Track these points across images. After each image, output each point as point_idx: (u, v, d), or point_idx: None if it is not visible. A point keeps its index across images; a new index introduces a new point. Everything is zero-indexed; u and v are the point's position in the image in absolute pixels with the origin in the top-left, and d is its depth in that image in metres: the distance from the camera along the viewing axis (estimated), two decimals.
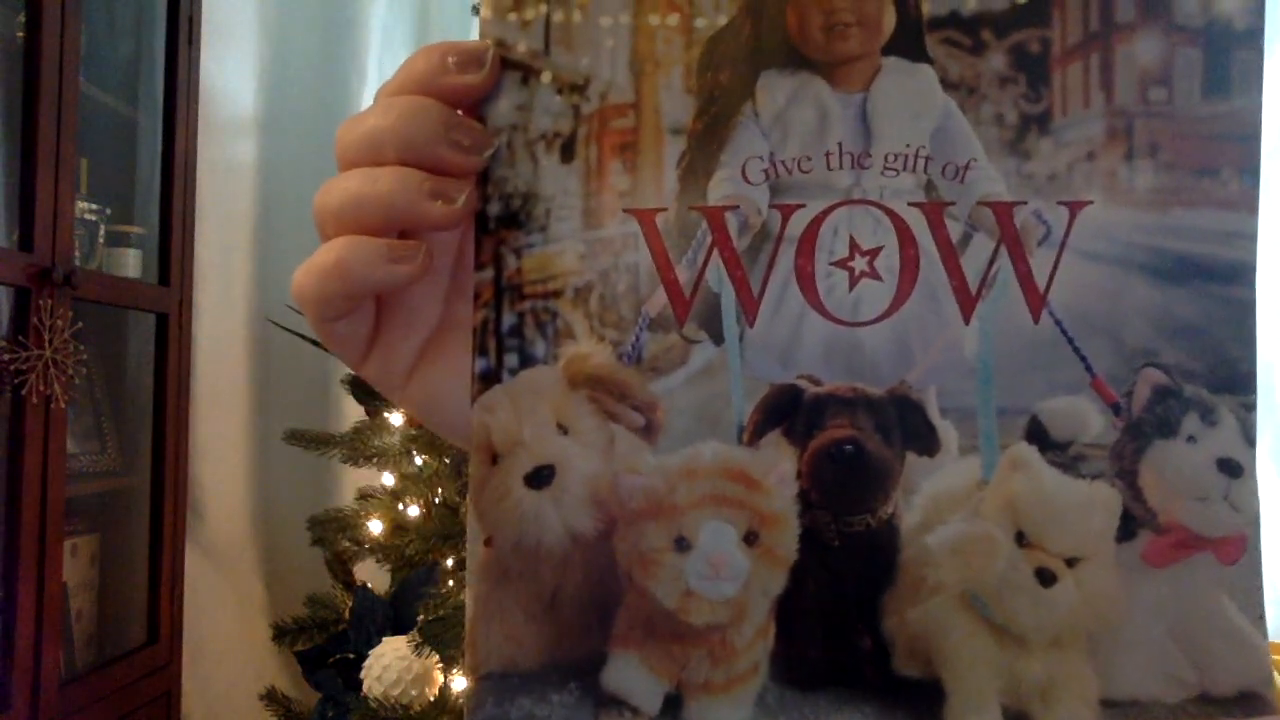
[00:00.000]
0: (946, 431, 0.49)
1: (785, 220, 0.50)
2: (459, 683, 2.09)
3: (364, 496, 2.66)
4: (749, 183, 0.50)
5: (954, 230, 0.49)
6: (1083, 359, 0.49)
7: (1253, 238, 0.49)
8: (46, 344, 2.08)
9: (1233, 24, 0.48)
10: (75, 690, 2.28)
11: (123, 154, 2.75)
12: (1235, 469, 0.48)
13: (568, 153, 0.50)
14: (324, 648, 2.49)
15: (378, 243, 0.49)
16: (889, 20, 0.50)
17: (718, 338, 0.50)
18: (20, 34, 2.16)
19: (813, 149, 0.50)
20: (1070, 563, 0.49)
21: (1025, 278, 0.49)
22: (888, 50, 0.50)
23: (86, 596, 2.56)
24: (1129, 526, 0.49)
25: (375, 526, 2.54)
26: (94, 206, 2.55)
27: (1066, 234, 0.49)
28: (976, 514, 0.49)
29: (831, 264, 0.50)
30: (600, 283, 0.50)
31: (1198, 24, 0.48)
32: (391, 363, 0.55)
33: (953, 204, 0.49)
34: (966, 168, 0.49)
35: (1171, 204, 0.48)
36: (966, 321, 0.49)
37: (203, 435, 2.93)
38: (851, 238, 0.50)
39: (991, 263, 0.49)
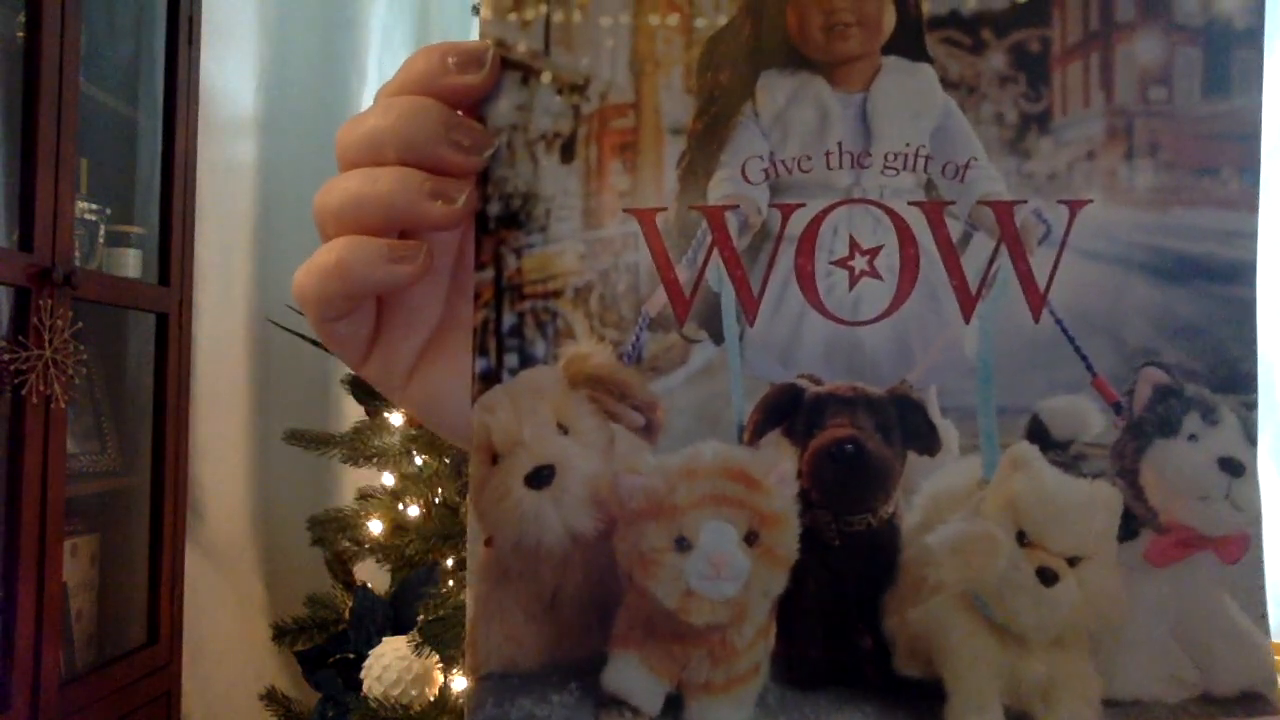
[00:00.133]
0: (947, 431, 0.49)
1: (785, 220, 0.50)
2: (459, 683, 2.09)
3: (364, 496, 2.66)
4: (749, 182, 0.50)
5: (954, 229, 0.49)
6: (1083, 358, 0.49)
7: (1253, 237, 0.49)
8: (46, 344, 2.08)
9: (1232, 23, 0.48)
10: (75, 690, 2.28)
11: (123, 154, 2.76)
12: (1237, 468, 0.48)
13: (568, 153, 0.50)
14: (324, 648, 2.49)
15: (378, 243, 0.49)
16: (889, 20, 0.50)
17: (718, 337, 0.50)
18: (20, 34, 2.16)
19: (813, 148, 0.50)
20: (1072, 562, 0.49)
21: (1025, 277, 0.49)
22: (888, 50, 0.50)
23: (86, 596, 2.56)
24: (1130, 526, 0.49)
25: (375, 526, 2.54)
26: (94, 206, 2.55)
27: (1067, 233, 0.49)
28: (977, 513, 0.49)
29: (831, 263, 0.50)
30: (600, 282, 0.50)
31: (1197, 23, 0.48)
32: (392, 363, 0.55)
33: (953, 203, 0.49)
34: (966, 167, 0.49)
35: (1172, 203, 0.48)
36: (967, 321, 0.49)
37: (203, 435, 2.93)
38: (851, 237, 0.50)
39: (992, 262, 0.49)
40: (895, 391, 0.49)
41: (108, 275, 2.54)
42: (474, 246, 0.51)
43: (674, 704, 0.50)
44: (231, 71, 3.08)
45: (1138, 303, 0.48)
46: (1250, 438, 0.49)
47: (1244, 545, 0.48)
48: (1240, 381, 0.49)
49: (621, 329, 0.50)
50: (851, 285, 0.50)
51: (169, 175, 2.71)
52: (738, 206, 0.50)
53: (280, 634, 2.58)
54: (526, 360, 0.50)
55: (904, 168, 0.49)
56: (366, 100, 3.26)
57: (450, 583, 2.29)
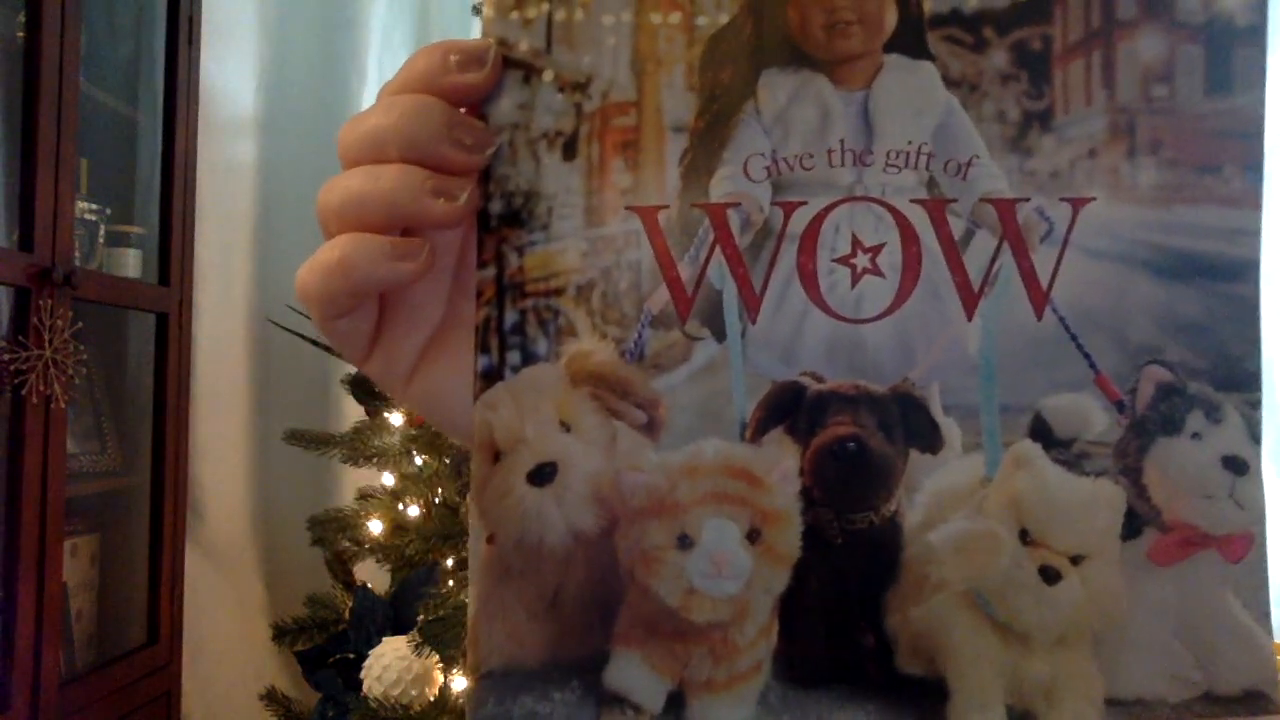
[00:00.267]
0: (949, 429, 0.49)
1: (787, 217, 0.50)
2: (459, 683, 2.09)
3: (364, 496, 2.66)
4: (751, 180, 0.50)
5: (956, 227, 0.49)
6: (1086, 356, 0.49)
7: (1256, 234, 0.48)
8: (46, 344, 2.08)
9: (1234, 21, 0.48)
10: (75, 690, 2.28)
11: (123, 154, 2.75)
12: (1241, 466, 0.48)
13: (570, 151, 0.50)
14: (324, 648, 2.49)
15: (381, 240, 0.49)
16: (890, 18, 0.50)
17: (720, 335, 0.50)
18: (20, 34, 2.16)
19: (815, 146, 0.50)
20: (1074, 561, 0.49)
21: (1028, 275, 0.49)
22: (889, 48, 0.50)
23: (86, 596, 2.56)
24: (1133, 524, 0.49)
25: (375, 526, 2.54)
26: (94, 206, 2.55)
27: (1069, 231, 0.49)
28: (980, 512, 0.49)
29: (834, 261, 0.50)
30: (602, 280, 0.50)
31: (1199, 21, 0.48)
32: (394, 360, 0.55)
33: (955, 201, 0.49)
34: (969, 165, 0.49)
35: (1174, 201, 0.48)
36: (969, 319, 0.49)
37: (203, 435, 2.93)
38: (854, 235, 0.49)
39: (994, 260, 0.49)
40: (897, 389, 0.49)
41: (108, 275, 2.54)
42: (476, 244, 0.51)
43: (676, 702, 0.50)
44: (231, 71, 3.08)
45: (1140, 300, 0.48)
46: (1254, 436, 0.49)
47: (1248, 544, 0.48)
48: (1244, 379, 0.48)
49: (624, 326, 0.50)
50: (854, 283, 0.49)
51: (169, 175, 2.71)
52: (740, 204, 0.50)
53: (280, 634, 2.58)
54: (528, 358, 0.50)
55: (906, 165, 0.49)
56: (366, 100, 3.27)
57: (450, 583, 2.29)
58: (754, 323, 0.50)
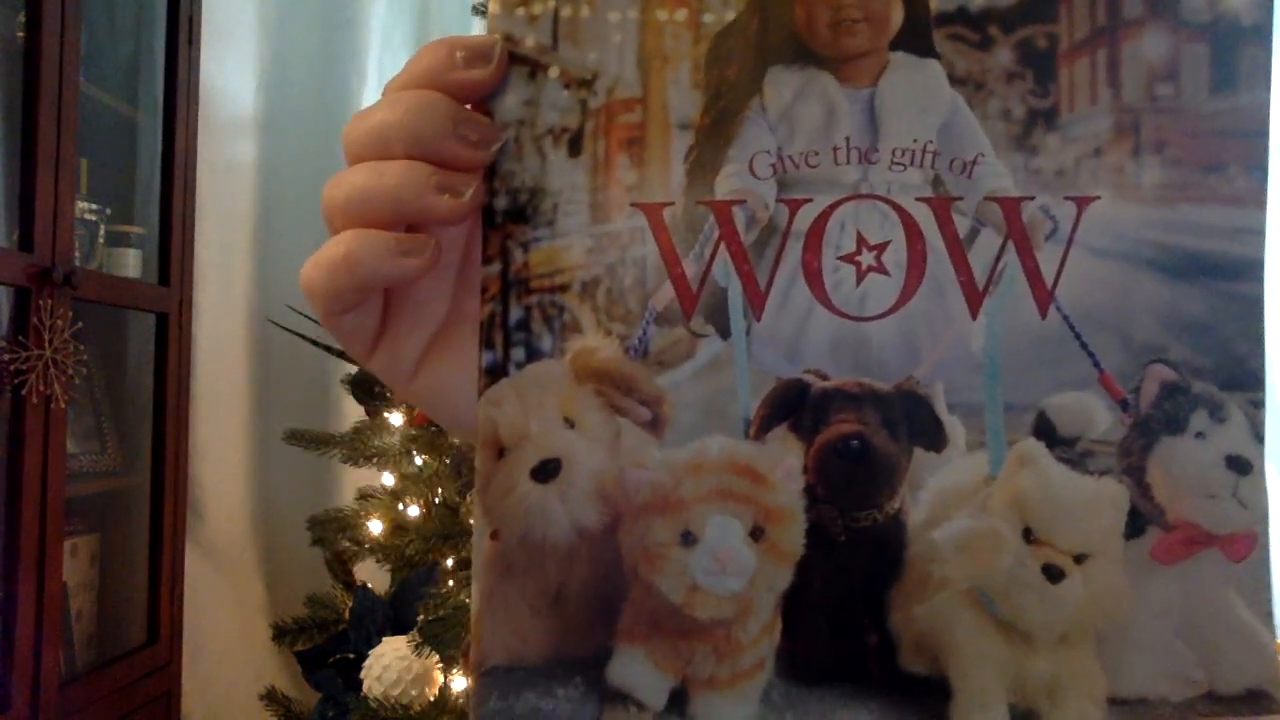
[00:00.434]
0: (953, 427, 0.49)
1: (792, 215, 0.50)
2: (459, 683, 2.09)
3: (364, 496, 2.66)
4: (756, 177, 0.50)
5: (961, 225, 0.49)
6: (1090, 355, 0.49)
7: (1261, 233, 0.48)
8: (46, 344, 2.08)
9: (1240, 20, 0.48)
10: (75, 690, 2.28)
11: (123, 154, 2.75)
12: (1244, 466, 0.48)
13: (575, 147, 0.50)
14: (324, 648, 2.49)
15: (386, 236, 0.49)
16: (896, 16, 0.50)
17: (724, 332, 0.50)
18: (20, 34, 2.16)
19: (820, 144, 0.50)
20: (1078, 559, 0.49)
21: (1033, 273, 0.49)
22: (895, 46, 0.50)
23: (86, 596, 2.56)
24: (1137, 523, 0.49)
25: (375, 526, 2.54)
26: (94, 206, 2.55)
27: (1074, 229, 0.49)
28: (983, 510, 0.49)
29: (839, 259, 0.50)
30: (607, 277, 0.50)
31: (1205, 20, 0.48)
32: (398, 356, 0.55)
33: (960, 199, 0.49)
34: (974, 163, 0.49)
35: (1179, 200, 0.48)
36: (974, 317, 0.49)
37: (203, 435, 2.93)
38: (859, 233, 0.50)
39: (999, 258, 0.49)
40: (902, 387, 0.49)
41: (108, 275, 2.54)
42: (481, 240, 0.51)
43: (678, 699, 0.50)
44: (231, 71, 3.08)
45: (1145, 299, 0.48)
46: (1258, 435, 0.49)
47: (1251, 543, 0.48)
48: (1248, 379, 0.48)
49: (628, 323, 0.50)
50: (858, 281, 0.49)
51: (169, 175, 2.71)
52: (745, 201, 0.50)
53: (280, 634, 2.58)
54: (533, 354, 0.50)
55: (911, 163, 0.49)
56: (366, 100, 3.27)
57: (450, 583, 2.29)
58: (758, 320, 0.50)
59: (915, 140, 0.49)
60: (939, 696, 0.49)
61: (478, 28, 2.63)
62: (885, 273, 0.49)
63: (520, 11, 0.50)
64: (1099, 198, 0.49)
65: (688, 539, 0.49)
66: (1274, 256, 0.49)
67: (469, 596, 2.02)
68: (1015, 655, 0.49)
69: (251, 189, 3.18)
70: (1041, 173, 0.49)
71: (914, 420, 0.49)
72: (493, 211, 0.51)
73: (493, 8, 0.51)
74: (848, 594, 0.50)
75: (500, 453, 0.50)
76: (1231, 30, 0.48)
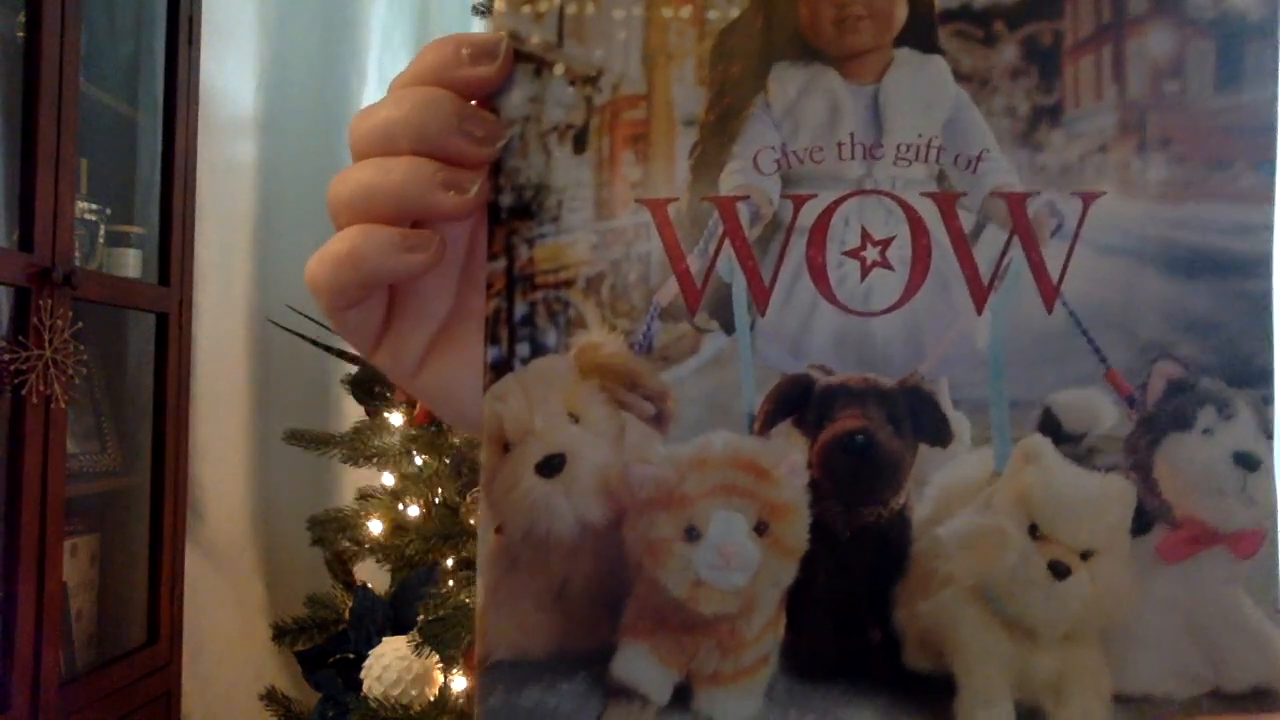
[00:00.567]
0: (959, 423, 0.49)
1: (797, 210, 0.50)
2: (459, 683, 2.09)
3: (364, 496, 2.66)
4: (761, 173, 0.50)
5: (966, 221, 0.49)
6: (1096, 351, 0.48)
7: (1268, 230, 0.48)
8: (46, 344, 2.08)
9: (1246, 16, 0.48)
10: (75, 690, 2.28)
11: (123, 154, 2.76)
12: (1252, 462, 0.48)
13: (580, 144, 0.50)
14: (324, 648, 2.49)
15: (391, 232, 0.49)
16: (901, 12, 0.50)
17: (729, 327, 0.50)
18: (20, 34, 2.16)
19: (824, 140, 0.50)
20: (1084, 556, 0.48)
21: (1038, 269, 0.49)
22: (899, 42, 0.50)
23: (86, 596, 2.56)
24: (1143, 520, 0.49)
25: (375, 526, 2.54)
26: (94, 206, 2.55)
27: (1079, 225, 0.48)
28: (988, 506, 0.49)
29: (843, 254, 0.49)
30: (612, 272, 0.50)
31: (1210, 16, 0.48)
32: (403, 352, 0.55)
33: (965, 194, 0.49)
34: (979, 159, 0.49)
35: (1185, 196, 0.48)
36: (979, 312, 0.49)
37: (203, 435, 2.93)
38: (863, 228, 0.49)
39: (1004, 254, 0.49)
40: (906, 383, 0.49)
41: (108, 275, 2.54)
42: (486, 237, 0.51)
43: (682, 694, 0.50)
44: (231, 71, 3.08)
45: (1151, 296, 0.48)
46: (1266, 432, 0.48)
47: (1258, 541, 0.48)
48: (1255, 375, 0.48)
49: (633, 319, 0.50)
50: (863, 276, 0.49)
51: (169, 175, 2.71)
52: (749, 197, 0.50)
53: (280, 634, 2.58)
54: (538, 350, 0.50)
55: (916, 159, 0.49)
56: (366, 100, 3.27)
57: (450, 583, 2.29)
58: (763, 315, 0.50)
59: (920, 136, 0.49)
60: (943, 693, 0.49)
61: (477, 28, 2.63)
62: (890, 268, 0.49)
63: (526, 9, 0.50)
64: (1104, 193, 0.48)
65: (692, 534, 0.49)
66: None
67: (469, 596, 2.03)
68: (1020, 652, 0.49)
69: (251, 189, 3.18)
70: (1047, 169, 0.49)
71: (919, 416, 0.49)
72: (498, 208, 0.51)
73: (498, 5, 0.51)
74: (852, 590, 0.50)
75: (505, 448, 0.50)
76: (1237, 26, 0.48)
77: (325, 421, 3.08)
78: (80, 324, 2.20)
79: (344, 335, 0.54)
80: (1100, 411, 0.49)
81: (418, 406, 2.45)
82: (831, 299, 0.49)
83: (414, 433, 2.48)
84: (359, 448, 2.55)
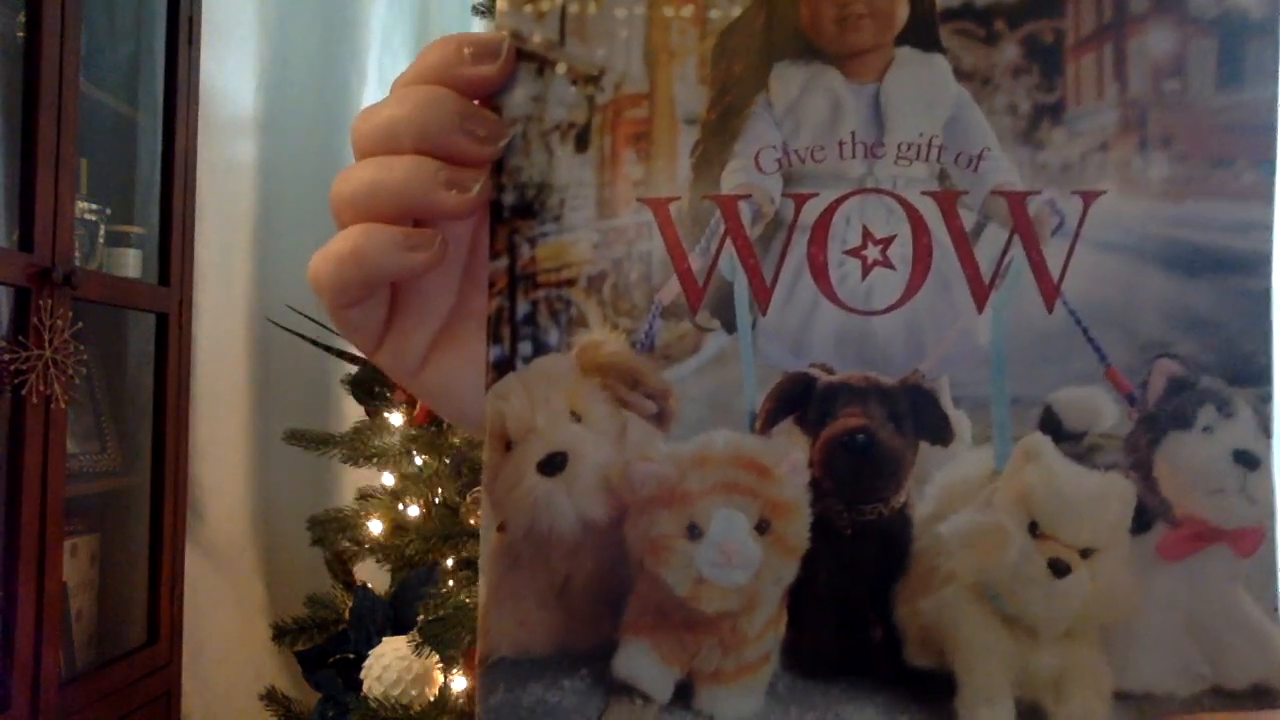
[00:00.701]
0: (959, 421, 0.49)
1: (798, 209, 0.50)
2: (459, 683, 2.09)
3: (364, 496, 2.66)
4: (762, 172, 0.50)
5: (967, 220, 0.49)
6: (1097, 349, 0.49)
7: (1267, 228, 0.48)
8: (46, 344, 2.08)
9: (1248, 15, 0.48)
10: (75, 690, 2.28)
11: (123, 154, 2.76)
12: (1252, 461, 0.48)
13: (582, 142, 0.51)
14: (324, 648, 2.49)
15: (393, 230, 0.49)
16: (902, 11, 0.50)
17: (730, 326, 0.50)
18: (20, 34, 2.16)
19: (826, 139, 0.50)
20: (1084, 554, 0.49)
21: (1038, 267, 0.49)
22: (901, 41, 0.50)
23: (86, 596, 2.56)
24: (1143, 518, 0.49)
25: (375, 526, 2.54)
26: (94, 206, 2.55)
27: (1080, 224, 0.49)
28: (989, 504, 0.49)
29: (844, 253, 0.50)
30: (614, 271, 0.50)
31: (1212, 14, 0.48)
32: (405, 350, 0.55)
33: (966, 193, 0.49)
34: (980, 157, 0.49)
35: (1186, 195, 0.48)
36: (979, 311, 0.49)
37: (203, 435, 2.93)
38: (864, 227, 0.50)
39: (1004, 252, 0.49)
40: (907, 381, 0.49)
41: (108, 275, 2.54)
42: (488, 235, 0.51)
43: (684, 691, 0.50)
44: (231, 71, 3.08)
45: (1152, 294, 0.48)
46: (1266, 430, 0.49)
47: (1258, 539, 0.48)
48: (1255, 374, 0.48)
49: (634, 317, 0.50)
50: (864, 275, 0.50)
51: (169, 175, 2.71)
52: (751, 196, 0.50)
53: (280, 634, 2.57)
54: (540, 348, 0.51)
55: (917, 158, 0.49)
56: (366, 100, 3.27)
57: (450, 583, 2.29)
58: (764, 314, 0.50)
59: (921, 135, 0.49)
60: (944, 690, 0.49)
61: (477, 28, 2.63)
62: (891, 267, 0.49)
63: (528, 8, 0.51)
64: (1105, 192, 0.49)
65: (693, 532, 0.49)
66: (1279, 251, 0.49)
67: (469, 596, 2.03)
68: (1021, 649, 0.49)
69: (251, 189, 3.18)
70: (1048, 167, 0.49)
71: (920, 414, 0.49)
72: (500, 206, 0.51)
73: (501, 4, 0.51)
74: (853, 587, 0.50)
75: (507, 446, 0.50)
76: (1239, 24, 0.48)
77: (325, 421, 3.08)
78: (80, 324, 2.20)
79: (346, 334, 0.54)
80: (1101, 410, 0.49)
81: (418, 406, 2.44)
82: (833, 298, 0.49)
83: (414, 433, 2.48)
84: (359, 448, 2.55)
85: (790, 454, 0.49)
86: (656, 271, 0.50)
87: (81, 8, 2.23)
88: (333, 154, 3.17)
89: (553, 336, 0.51)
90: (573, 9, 0.50)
